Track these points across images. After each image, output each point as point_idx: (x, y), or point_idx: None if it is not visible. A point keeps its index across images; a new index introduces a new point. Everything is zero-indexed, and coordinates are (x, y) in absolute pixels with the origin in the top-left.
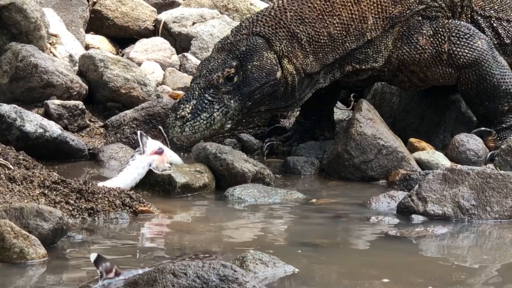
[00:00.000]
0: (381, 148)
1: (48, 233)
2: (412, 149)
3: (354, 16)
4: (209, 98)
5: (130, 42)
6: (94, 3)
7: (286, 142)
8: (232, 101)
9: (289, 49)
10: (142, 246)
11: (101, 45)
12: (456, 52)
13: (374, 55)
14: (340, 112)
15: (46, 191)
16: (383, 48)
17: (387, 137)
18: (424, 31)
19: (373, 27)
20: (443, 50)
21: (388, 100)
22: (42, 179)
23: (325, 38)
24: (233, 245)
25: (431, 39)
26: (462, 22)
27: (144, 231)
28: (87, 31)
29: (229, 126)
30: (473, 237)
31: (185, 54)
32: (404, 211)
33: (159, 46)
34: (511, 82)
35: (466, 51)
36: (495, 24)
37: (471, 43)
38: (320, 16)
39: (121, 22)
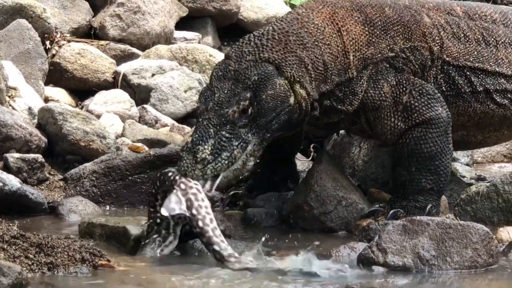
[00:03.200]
0: (341, 200)
1: None
2: (373, 199)
3: (339, 48)
4: (227, 135)
5: (90, 94)
6: (53, 56)
7: (250, 194)
8: (249, 135)
9: (300, 74)
10: None
11: (60, 98)
12: (413, 105)
13: (351, 96)
14: (300, 163)
15: (5, 246)
16: (359, 90)
17: (347, 188)
18: (389, 79)
19: (352, 65)
20: (401, 100)
21: (348, 151)
22: (1, 233)
23: (322, 66)
24: None
25: (393, 88)
26: (429, 85)
27: (103, 286)
28: (46, 84)
29: (251, 163)
30: None
31: (145, 106)
32: (364, 263)
33: (118, 98)
34: (445, 165)
35: (423, 108)
36: (468, 73)
37: (431, 104)
38: (316, 43)
39: (80, 74)
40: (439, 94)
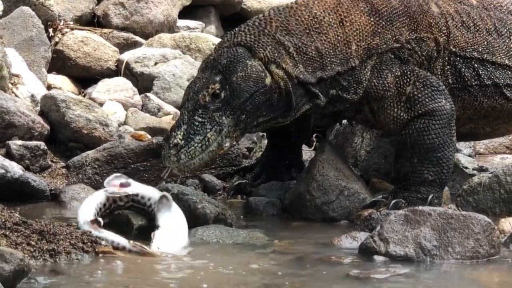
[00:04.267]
0: (343, 189)
1: (9, 275)
2: (375, 189)
3: (339, 38)
4: (199, 119)
5: (92, 82)
6: (56, 43)
7: (255, 182)
8: (224, 118)
9: (276, 54)
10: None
11: (63, 85)
12: (416, 97)
13: (355, 85)
14: (302, 153)
15: (7, 233)
16: (363, 79)
17: (349, 178)
18: (394, 70)
19: (355, 54)
20: (404, 91)
21: (351, 141)
22: (3, 220)
23: (313, 52)
24: (195, 285)
25: (397, 79)
26: (434, 77)
27: (106, 272)
28: (49, 71)
29: (228, 144)
30: (435, 278)
31: (147, 94)
32: (366, 252)
33: (121, 86)
34: (448, 157)
35: (426, 100)
36: (476, 65)
37: (435, 96)
38: (307, 31)
39: (83, 62)
40: (443, 87)
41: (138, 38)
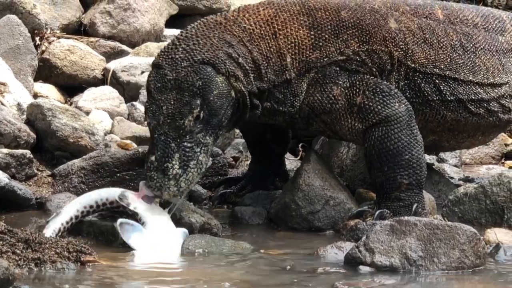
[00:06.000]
0: (329, 199)
1: None
2: (361, 199)
3: (272, 50)
4: (189, 145)
5: (79, 91)
6: (43, 52)
7: (240, 192)
8: (207, 137)
9: (232, 68)
10: None
11: (49, 94)
12: (367, 106)
13: (291, 98)
14: (288, 162)
15: None
16: (300, 92)
17: (335, 188)
18: (340, 82)
19: (290, 67)
20: (354, 102)
21: (336, 150)
22: None
23: (251, 63)
24: None
25: (346, 90)
26: (384, 82)
27: (91, 281)
28: (35, 80)
29: (210, 162)
30: None
31: (134, 103)
32: (351, 262)
33: (107, 95)
34: (417, 157)
35: (378, 107)
36: (437, 81)
37: (386, 101)
38: (242, 43)
39: (69, 70)
40: (396, 90)
41: (124, 47)
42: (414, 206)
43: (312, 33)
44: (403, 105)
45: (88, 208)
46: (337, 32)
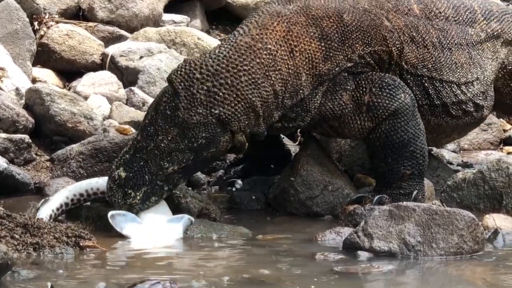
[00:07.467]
0: (327, 184)
1: None
2: (359, 184)
3: (290, 71)
4: (160, 183)
5: (77, 76)
6: (42, 37)
7: (246, 177)
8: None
9: (246, 123)
10: (91, 280)
11: (48, 79)
12: (376, 103)
13: (303, 113)
14: None
15: None
16: (312, 107)
17: (333, 173)
18: (348, 87)
19: (305, 84)
20: (363, 101)
21: None
22: None
23: (272, 97)
24: (177, 279)
25: (353, 93)
26: (387, 74)
27: (90, 265)
28: (34, 64)
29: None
30: (418, 274)
31: (132, 88)
32: (350, 247)
33: (106, 80)
34: (420, 147)
35: (386, 101)
36: (426, 84)
37: (393, 94)
38: (267, 73)
39: (68, 55)
40: (399, 81)
41: (123, 32)
42: (414, 193)
43: (323, 44)
44: (408, 95)
45: (78, 196)
46: (343, 39)
